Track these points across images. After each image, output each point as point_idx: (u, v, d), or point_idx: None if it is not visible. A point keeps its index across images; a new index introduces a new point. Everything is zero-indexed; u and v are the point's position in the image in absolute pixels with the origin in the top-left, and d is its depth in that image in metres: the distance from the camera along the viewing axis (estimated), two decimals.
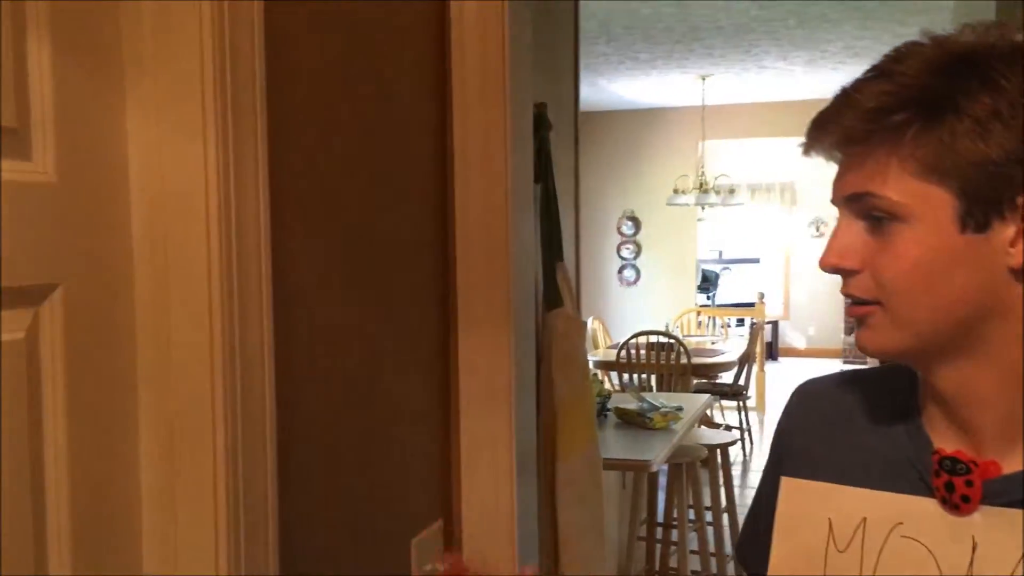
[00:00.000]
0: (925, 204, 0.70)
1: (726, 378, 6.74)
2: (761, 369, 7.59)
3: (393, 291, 1.41)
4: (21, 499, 0.87)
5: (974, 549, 0.72)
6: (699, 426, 4.36)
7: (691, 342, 6.49)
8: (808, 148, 0.77)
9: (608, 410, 3.74)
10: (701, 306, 8.97)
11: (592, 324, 7.05)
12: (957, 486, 0.73)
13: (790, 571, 0.80)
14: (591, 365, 5.60)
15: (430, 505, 1.54)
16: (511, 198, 1.55)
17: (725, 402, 6.91)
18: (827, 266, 0.76)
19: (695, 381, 6.20)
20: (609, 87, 7.39)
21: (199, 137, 0.98)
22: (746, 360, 6.69)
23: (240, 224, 1.02)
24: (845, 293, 0.76)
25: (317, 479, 1.21)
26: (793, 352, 10.80)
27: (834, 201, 0.77)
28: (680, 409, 3.72)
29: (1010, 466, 0.73)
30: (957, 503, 0.73)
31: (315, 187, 1.20)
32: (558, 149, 2.10)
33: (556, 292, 1.97)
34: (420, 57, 1.49)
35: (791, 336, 11.00)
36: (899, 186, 0.71)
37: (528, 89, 1.67)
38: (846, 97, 0.73)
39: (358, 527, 1.32)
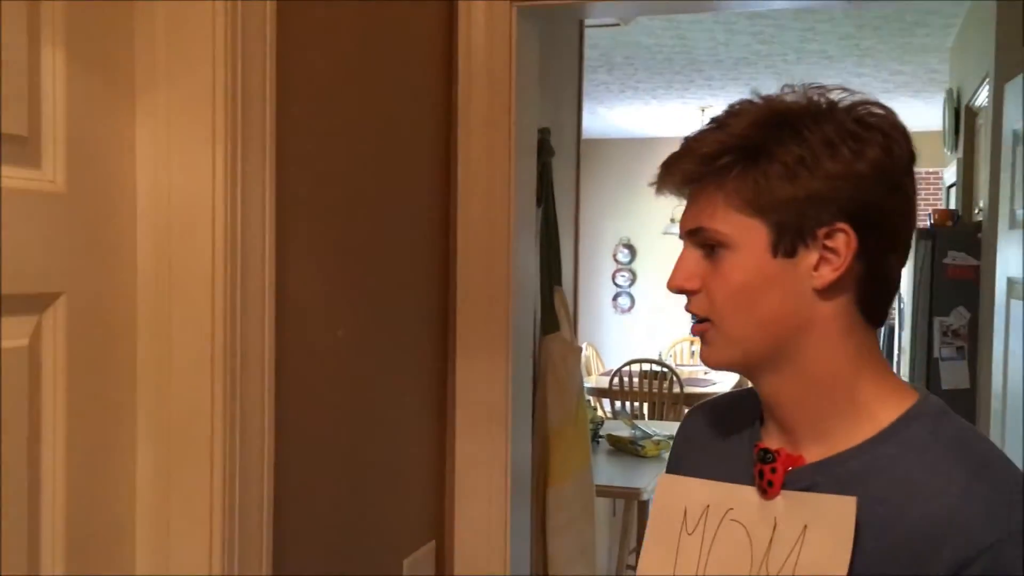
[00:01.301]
0: (745, 234, 0.83)
1: None
2: None
3: (393, 310, 1.42)
4: (17, 504, 0.86)
5: (775, 527, 0.85)
6: None
7: (684, 371, 6.48)
8: (658, 188, 0.89)
9: (601, 437, 3.73)
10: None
11: (585, 350, 7.05)
12: (765, 473, 0.86)
13: (654, 554, 0.93)
14: (584, 392, 5.57)
15: (423, 526, 1.53)
16: (513, 221, 1.55)
17: None
18: (673, 287, 0.88)
19: (687, 410, 6.18)
20: (609, 116, 7.43)
21: (207, 150, 0.99)
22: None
23: (246, 239, 1.02)
24: (688, 310, 0.88)
25: (312, 496, 1.21)
26: None
27: (680, 235, 0.90)
28: (672, 438, 3.71)
29: (812, 459, 0.86)
30: (765, 488, 0.86)
31: (320, 206, 1.21)
32: (559, 175, 2.11)
33: (553, 316, 1.97)
34: (427, 80, 1.50)
35: None
36: (724, 219, 0.84)
37: (533, 114, 1.68)
38: (687, 144, 0.86)
39: (351, 545, 1.31)
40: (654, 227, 8.10)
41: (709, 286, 0.86)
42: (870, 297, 0.86)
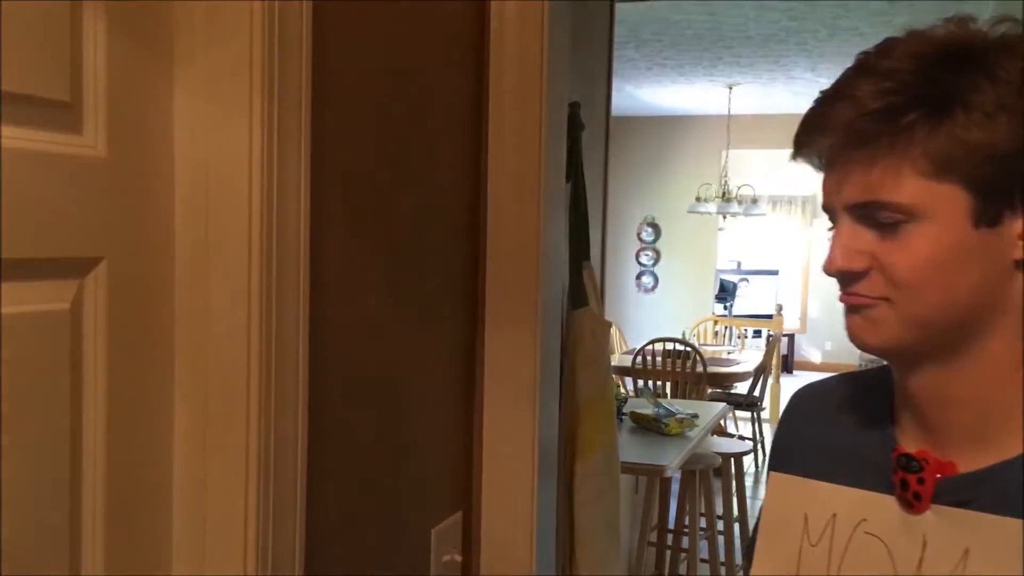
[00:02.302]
0: (939, 203, 0.69)
1: (741, 388, 6.72)
2: (776, 381, 7.57)
3: (424, 282, 1.42)
4: (59, 466, 0.88)
5: (924, 547, 0.72)
6: (713, 435, 4.35)
7: (707, 351, 6.47)
8: (800, 153, 0.75)
9: (624, 414, 3.74)
10: (718, 316, 8.95)
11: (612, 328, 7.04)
12: (910, 483, 0.73)
13: (771, 565, 0.81)
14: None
15: (451, 497, 1.54)
16: (543, 196, 1.55)
17: (739, 412, 6.89)
18: (834, 270, 0.74)
19: (710, 390, 6.18)
20: (636, 93, 7.39)
21: (245, 119, 1.00)
22: (761, 371, 6.67)
23: (281, 207, 1.03)
24: (855, 293, 0.74)
25: (343, 466, 1.22)
26: (809, 366, 10.75)
27: (831, 206, 0.75)
28: (696, 416, 3.72)
29: (968, 468, 0.73)
30: (910, 500, 0.73)
31: (353, 177, 1.22)
32: (588, 150, 2.11)
33: (582, 291, 1.97)
34: (459, 53, 1.50)
35: (807, 350, 10.95)
36: (911, 188, 0.69)
37: (564, 88, 1.67)
38: (841, 98, 0.71)
39: (380, 513, 1.33)
40: (679, 206, 8.07)
41: (885, 263, 0.71)
42: None
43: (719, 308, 9.76)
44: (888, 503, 0.75)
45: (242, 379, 1.01)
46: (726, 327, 8.49)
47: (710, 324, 8.29)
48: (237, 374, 1.01)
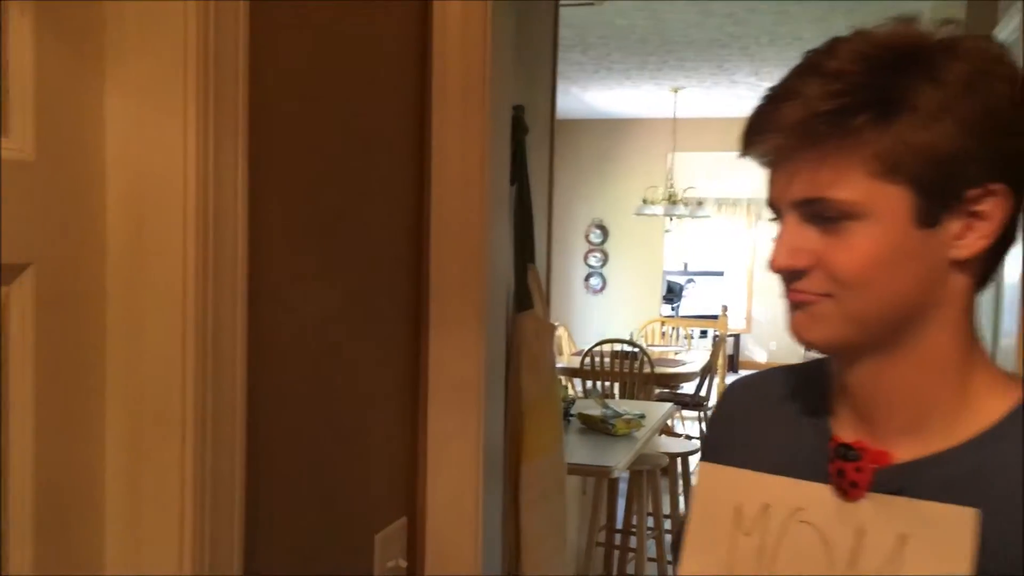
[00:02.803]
0: (883, 202, 0.70)
1: (688, 388, 6.79)
2: (723, 381, 7.66)
3: (366, 287, 1.41)
4: None
5: (860, 535, 0.73)
6: (660, 435, 4.39)
7: (655, 352, 6.53)
8: (747, 151, 0.75)
9: (572, 415, 3.75)
10: (665, 316, 9.04)
11: (557, 330, 7.07)
12: (847, 472, 0.74)
13: (702, 556, 0.80)
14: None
15: (395, 502, 1.53)
16: (487, 198, 1.55)
17: (686, 412, 6.96)
18: (778, 267, 0.75)
19: (657, 390, 6.24)
20: (582, 95, 7.43)
21: (179, 120, 0.98)
22: (708, 371, 6.74)
23: (218, 210, 1.01)
24: (798, 290, 0.75)
25: (283, 471, 1.21)
26: (754, 365, 10.91)
27: (776, 204, 0.76)
28: (643, 417, 3.75)
29: (904, 457, 0.74)
30: (846, 489, 0.74)
31: (292, 179, 1.20)
32: (533, 153, 2.11)
33: (527, 294, 1.98)
34: (401, 54, 1.49)
35: (752, 349, 11.11)
36: (857, 187, 0.70)
37: (508, 90, 1.67)
38: (789, 99, 0.72)
39: (323, 520, 1.32)
40: (627, 208, 8.13)
41: (827, 261, 0.72)
42: (993, 264, 0.75)
43: (666, 309, 9.85)
44: (823, 492, 0.75)
45: (177, 386, 0.99)
46: (673, 328, 8.57)
47: (657, 325, 8.37)
48: (172, 381, 0.99)
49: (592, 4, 4.41)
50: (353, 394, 1.39)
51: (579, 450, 3.39)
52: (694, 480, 1.00)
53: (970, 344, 0.75)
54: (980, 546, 0.67)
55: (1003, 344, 1.96)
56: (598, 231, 8.90)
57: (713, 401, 7.15)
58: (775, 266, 0.75)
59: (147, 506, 0.99)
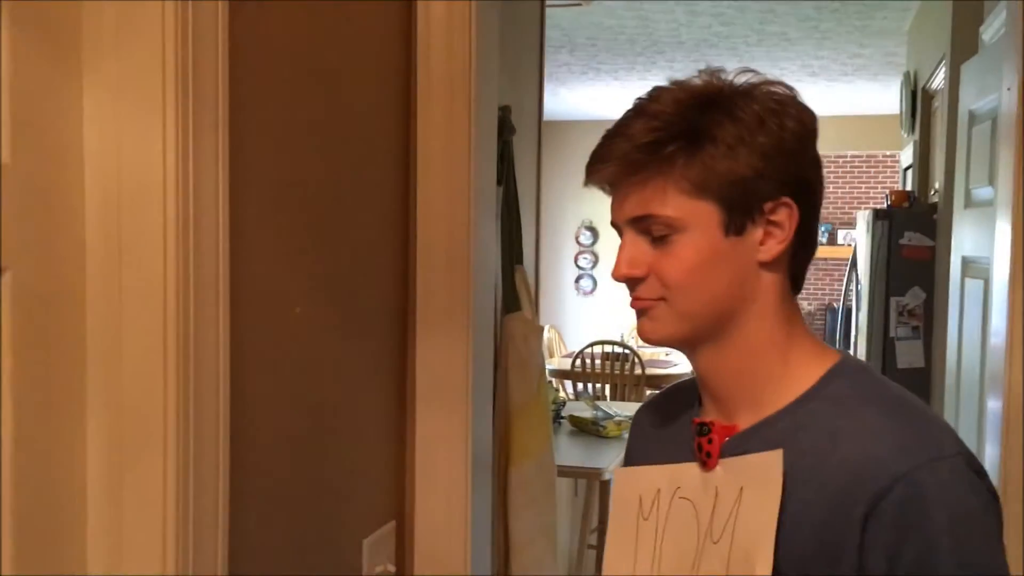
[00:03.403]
0: (697, 216, 0.86)
1: None
2: None
3: (351, 289, 1.40)
4: None
5: (716, 496, 0.87)
6: None
7: (645, 353, 6.52)
8: (589, 180, 0.91)
9: (563, 418, 3.74)
10: None
11: (548, 332, 7.06)
12: (703, 445, 0.90)
13: (617, 542, 0.95)
14: (547, 372, 5.61)
15: (383, 506, 1.52)
16: (473, 200, 1.54)
17: None
18: (619, 276, 0.90)
19: (648, 392, 6.23)
20: (570, 97, 7.42)
21: (158, 122, 0.96)
22: None
23: (198, 213, 1.00)
24: (638, 297, 0.90)
25: (268, 475, 1.19)
26: None
27: (616, 222, 0.91)
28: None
29: (745, 426, 0.90)
30: (704, 460, 0.90)
31: (275, 181, 1.19)
32: (521, 154, 2.10)
33: (515, 295, 1.97)
34: (385, 55, 1.48)
35: None
36: (675, 204, 0.86)
37: (493, 91, 1.66)
38: (617, 135, 0.87)
39: (309, 525, 1.30)
40: None
41: (658, 270, 0.88)
42: (799, 265, 0.91)
43: None
44: (692, 469, 0.91)
45: (158, 391, 0.98)
46: None
47: None
48: (153, 385, 0.98)
49: (579, 4, 4.41)
50: (339, 396, 1.37)
51: (570, 452, 3.38)
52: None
53: (786, 328, 0.90)
54: (792, 482, 0.83)
55: (992, 343, 1.96)
56: (588, 233, 8.90)
57: None
58: (616, 275, 0.90)
59: (129, 511, 0.98)
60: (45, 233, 0.92)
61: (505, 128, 1.87)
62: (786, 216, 0.87)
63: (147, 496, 0.98)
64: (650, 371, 6.03)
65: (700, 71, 0.90)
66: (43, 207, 0.92)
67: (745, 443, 0.88)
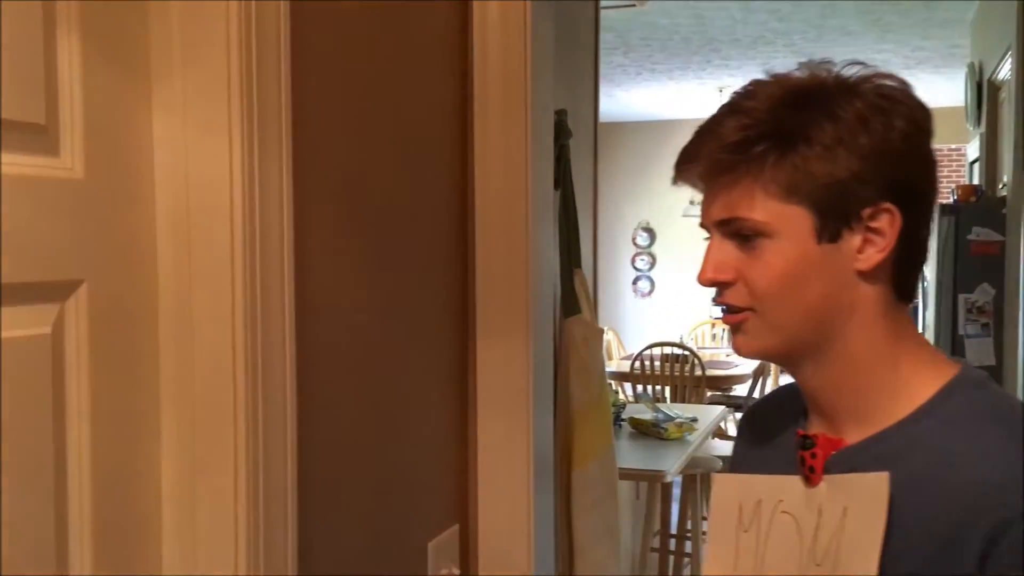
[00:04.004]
0: (786, 222, 0.81)
1: (740, 390, 6.71)
2: (776, 382, 7.55)
3: (412, 295, 1.42)
4: (43, 492, 0.87)
5: (819, 514, 0.83)
6: (713, 438, 4.34)
7: (705, 354, 6.47)
8: (677, 179, 0.88)
9: (623, 420, 3.73)
10: (716, 318, 8.94)
11: (606, 334, 7.03)
12: (806, 459, 0.85)
13: (715, 553, 0.92)
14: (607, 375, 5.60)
15: (447, 509, 1.53)
16: (531, 204, 1.55)
17: (739, 415, 6.87)
18: (705, 281, 0.86)
19: (709, 393, 6.17)
20: (626, 98, 7.40)
21: (224, 136, 0.99)
22: (761, 373, 6.65)
23: (264, 223, 1.02)
24: (720, 303, 0.86)
25: (335, 479, 1.21)
26: None
27: (704, 224, 0.87)
28: (695, 420, 3.71)
29: (853, 441, 0.84)
30: (807, 475, 0.85)
31: (337, 191, 1.21)
32: (577, 157, 2.11)
33: (574, 299, 1.97)
34: (443, 60, 1.50)
35: None
36: (763, 208, 0.81)
37: (549, 95, 1.67)
38: (708, 133, 0.84)
39: (375, 528, 1.32)
40: (673, 210, 8.07)
41: (746, 276, 0.83)
42: (905, 274, 0.85)
43: (717, 311, 9.74)
44: (796, 482, 0.86)
45: (229, 398, 1.00)
46: (724, 329, 8.48)
47: (708, 327, 8.29)
48: (224, 393, 1.00)
49: (633, 5, 4.39)
50: (402, 402, 1.39)
51: (631, 455, 3.37)
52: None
53: (894, 340, 0.84)
54: (901, 505, 0.77)
55: None
56: (645, 234, 8.85)
57: None
58: (702, 279, 0.86)
59: (202, 522, 1.01)
60: (118, 247, 0.95)
61: (561, 132, 1.87)
62: (887, 223, 0.81)
63: (219, 501, 1.00)
64: (710, 372, 5.97)
65: (802, 63, 0.84)
66: (116, 221, 0.95)
67: (852, 460, 0.83)
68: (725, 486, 0.94)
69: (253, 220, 1.01)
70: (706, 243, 0.87)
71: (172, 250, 1.00)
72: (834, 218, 0.81)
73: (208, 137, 0.99)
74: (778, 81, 0.83)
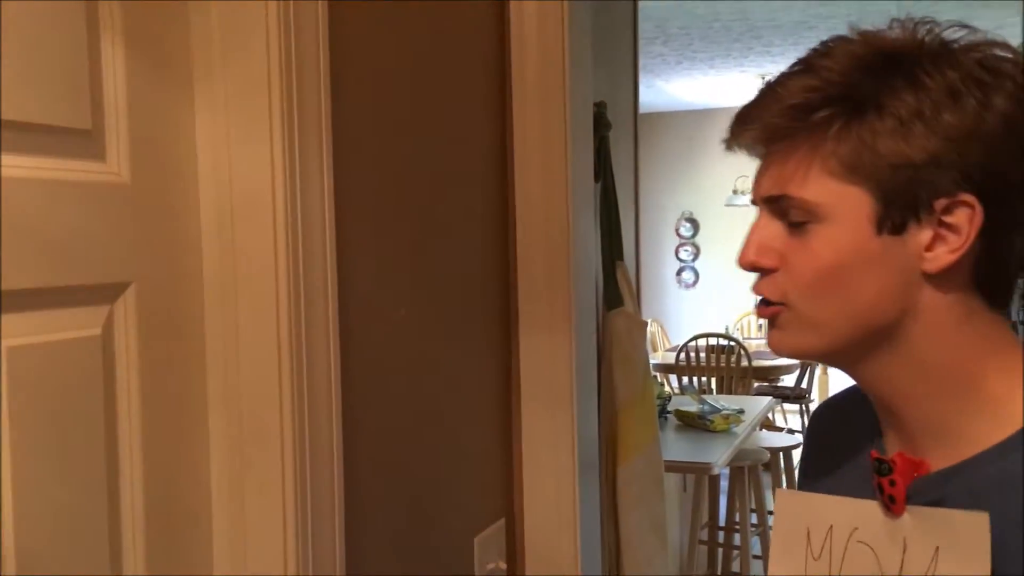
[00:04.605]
0: (842, 205, 0.69)
1: (788, 381, 6.64)
2: (824, 372, 7.45)
3: (453, 290, 1.42)
4: (97, 490, 0.89)
5: (904, 549, 0.71)
6: (760, 429, 4.30)
7: (752, 344, 6.39)
8: (730, 143, 0.75)
9: (668, 412, 3.71)
10: None
11: (650, 326, 7.00)
12: (884, 487, 0.72)
13: None
14: (651, 368, 5.56)
15: (492, 504, 1.54)
16: (571, 197, 1.54)
17: (787, 405, 6.79)
18: (746, 264, 0.74)
19: (756, 384, 6.11)
20: (666, 88, 7.34)
21: (266, 137, 1.00)
22: (809, 363, 6.57)
23: (306, 222, 1.03)
24: (757, 291, 0.75)
25: (381, 474, 1.22)
26: None
27: (754, 200, 0.76)
28: (741, 412, 3.68)
29: (940, 465, 0.72)
30: (887, 504, 0.72)
31: (377, 188, 1.22)
32: (617, 149, 2.09)
33: (616, 291, 1.96)
34: (480, 55, 1.50)
35: None
36: (818, 186, 0.70)
37: (588, 88, 1.66)
38: (770, 91, 0.72)
39: (422, 523, 1.33)
40: (716, 199, 7.99)
41: (790, 264, 0.72)
42: (988, 279, 0.71)
43: None
44: (873, 509, 0.74)
45: (274, 395, 1.01)
46: None
47: (753, 317, 8.20)
48: (270, 390, 1.02)
49: None
50: (446, 396, 1.40)
51: (677, 447, 3.35)
52: (796, 475, 1.01)
53: (979, 351, 0.72)
54: (1001, 550, 0.65)
55: None
56: (688, 224, 8.78)
57: (815, 393, 6.97)
58: (742, 262, 0.75)
59: (251, 511, 1.02)
60: (165, 249, 0.97)
61: (601, 124, 1.86)
62: (965, 219, 0.67)
63: (267, 496, 1.02)
64: (757, 363, 5.91)
65: (896, 19, 0.70)
66: (162, 224, 0.97)
67: (941, 488, 0.71)
68: (790, 504, 0.82)
69: (295, 219, 1.02)
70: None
71: (217, 250, 1.01)
72: (900, 206, 0.68)
73: (249, 138, 1.00)
74: (864, 39, 0.70)
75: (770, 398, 4.59)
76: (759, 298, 0.76)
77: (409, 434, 1.30)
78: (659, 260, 8.75)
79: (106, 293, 0.91)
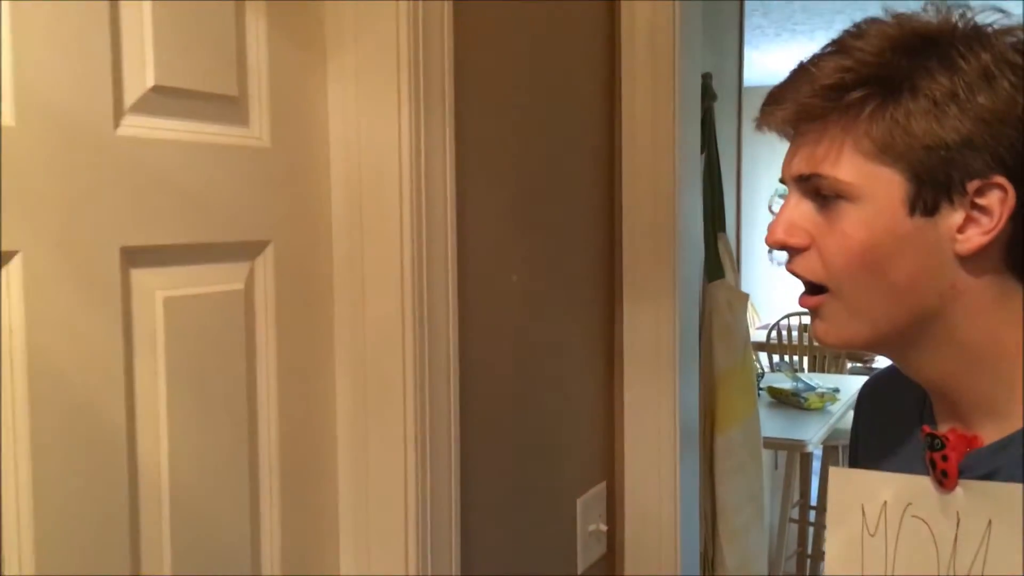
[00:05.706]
0: (875, 185, 0.70)
1: (883, 361, 6.47)
2: None
3: (562, 258, 1.45)
4: (239, 438, 0.96)
5: (958, 523, 0.72)
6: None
7: None
8: (761, 123, 0.76)
9: (761, 389, 3.67)
10: None
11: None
12: (937, 462, 0.73)
13: (840, 559, 0.82)
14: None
15: (594, 467, 1.57)
16: (678, 167, 1.55)
17: None
18: (773, 242, 0.75)
19: (850, 364, 5.98)
20: (763, 60, 7.18)
21: (393, 105, 1.04)
22: None
23: (429, 188, 1.07)
24: (791, 271, 0.76)
25: (492, 434, 1.27)
26: None
27: (783, 179, 0.77)
28: (837, 391, 3.62)
29: (991, 439, 0.73)
30: (940, 479, 0.73)
31: (494, 157, 1.25)
32: (720, 121, 2.09)
33: (718, 263, 1.96)
34: (591, 26, 1.52)
35: None
36: (850, 166, 0.70)
37: (696, 58, 1.66)
38: (803, 72, 0.72)
39: (528, 482, 1.37)
40: None
41: (821, 244, 0.73)
42: (1021, 261, 0.72)
43: None
44: (926, 484, 0.75)
45: (398, 351, 1.06)
46: None
47: None
48: (393, 346, 1.07)
49: None
50: (552, 362, 1.43)
51: (770, 424, 3.31)
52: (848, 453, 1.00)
53: (1017, 331, 0.72)
54: None
55: None
56: (780, 201, 8.61)
57: None
58: (770, 240, 0.76)
59: (374, 461, 1.08)
60: (300, 210, 1.03)
61: (707, 95, 1.86)
62: (997, 201, 0.68)
63: (389, 448, 1.07)
64: None
65: (930, 2, 0.71)
66: (297, 187, 1.02)
67: (992, 462, 0.72)
68: (844, 481, 0.83)
69: (419, 185, 1.06)
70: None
71: (346, 213, 1.07)
72: (933, 188, 0.69)
73: (378, 106, 1.05)
74: (898, 21, 0.71)
75: (865, 378, 4.50)
76: (804, 291, 0.77)
77: (518, 397, 1.34)
78: (752, 236, 8.61)
79: (248, 251, 0.97)
